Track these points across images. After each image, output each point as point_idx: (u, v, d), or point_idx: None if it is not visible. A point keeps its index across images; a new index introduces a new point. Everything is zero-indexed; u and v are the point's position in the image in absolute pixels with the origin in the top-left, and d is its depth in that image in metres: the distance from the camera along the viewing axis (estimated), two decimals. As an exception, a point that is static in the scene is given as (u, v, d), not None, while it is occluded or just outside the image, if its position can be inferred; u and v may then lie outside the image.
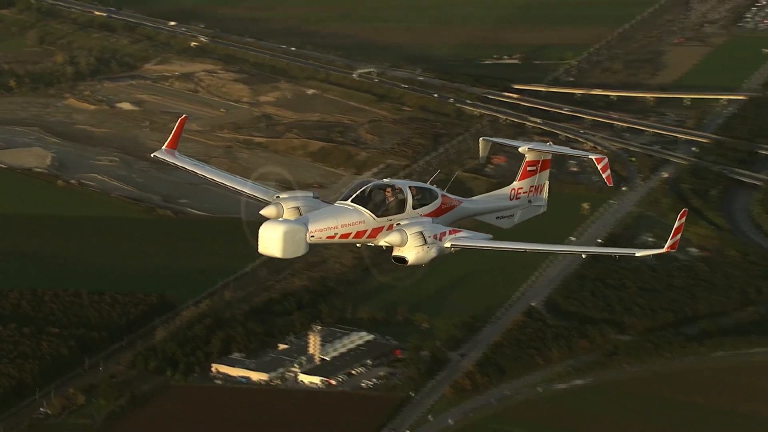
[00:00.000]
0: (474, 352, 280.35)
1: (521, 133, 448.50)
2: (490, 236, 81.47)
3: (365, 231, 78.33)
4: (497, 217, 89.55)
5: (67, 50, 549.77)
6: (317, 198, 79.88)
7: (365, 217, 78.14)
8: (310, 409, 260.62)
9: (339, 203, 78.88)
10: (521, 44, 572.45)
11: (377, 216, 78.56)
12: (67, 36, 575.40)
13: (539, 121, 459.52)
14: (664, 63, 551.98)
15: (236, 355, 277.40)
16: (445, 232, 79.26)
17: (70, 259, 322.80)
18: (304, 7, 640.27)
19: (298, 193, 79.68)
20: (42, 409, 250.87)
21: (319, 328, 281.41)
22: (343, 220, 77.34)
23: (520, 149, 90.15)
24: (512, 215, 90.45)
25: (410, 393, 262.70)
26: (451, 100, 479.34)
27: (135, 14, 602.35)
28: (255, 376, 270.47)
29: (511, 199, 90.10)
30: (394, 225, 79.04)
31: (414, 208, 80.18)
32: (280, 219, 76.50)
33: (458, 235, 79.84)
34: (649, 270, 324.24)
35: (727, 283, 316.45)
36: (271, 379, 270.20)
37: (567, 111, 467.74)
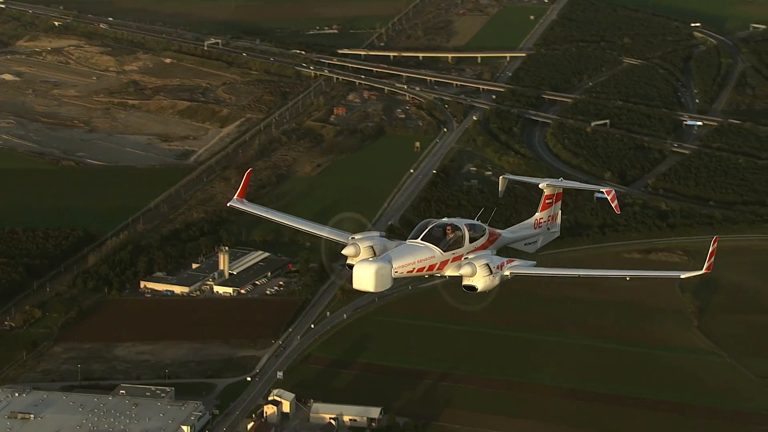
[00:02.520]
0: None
1: (352, 89, 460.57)
2: (534, 262, 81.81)
3: (435, 264, 78.16)
4: (525, 244, 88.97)
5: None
6: (383, 236, 79.19)
7: (435, 253, 77.91)
8: (228, 313, 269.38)
9: (410, 242, 78.20)
10: (334, 17, 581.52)
11: (444, 251, 78.40)
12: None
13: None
14: (454, 30, 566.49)
15: (159, 274, 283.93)
16: (503, 263, 79.68)
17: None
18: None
19: (371, 233, 79.32)
20: (6, 323, 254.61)
21: (226, 248, 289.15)
22: (418, 257, 77.22)
23: (540, 185, 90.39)
24: (536, 241, 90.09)
25: (308, 296, 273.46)
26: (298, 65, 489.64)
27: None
28: (178, 289, 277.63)
29: (534, 228, 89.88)
30: (462, 258, 79.15)
31: (470, 242, 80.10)
32: (371, 259, 75.53)
33: (513, 264, 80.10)
34: (479, 192, 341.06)
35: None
36: (191, 291, 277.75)
37: (387, 70, 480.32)
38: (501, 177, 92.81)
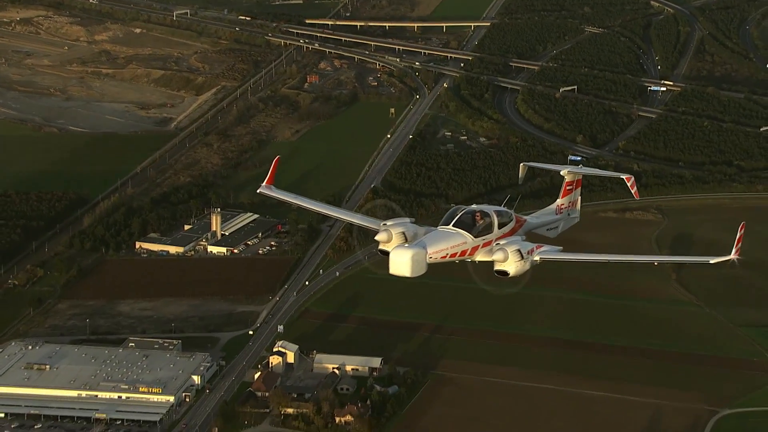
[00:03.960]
0: (339, 222, 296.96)
1: (323, 57, 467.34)
2: (561, 248, 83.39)
3: (467, 250, 79.61)
4: (547, 229, 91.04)
5: None
6: (414, 222, 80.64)
7: (466, 239, 79.24)
8: (223, 271, 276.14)
9: (442, 228, 79.70)
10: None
11: (475, 237, 79.84)
12: None
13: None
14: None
15: (153, 235, 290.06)
16: (533, 249, 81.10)
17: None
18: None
19: (402, 219, 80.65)
20: (10, 281, 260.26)
21: (218, 210, 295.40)
22: (451, 242, 78.58)
23: (561, 172, 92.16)
24: (557, 227, 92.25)
25: (300, 255, 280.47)
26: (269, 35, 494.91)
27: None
28: (172, 249, 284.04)
29: (556, 214, 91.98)
30: (491, 243, 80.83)
31: (499, 228, 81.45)
32: (406, 245, 76.94)
33: (542, 249, 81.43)
34: (456, 155, 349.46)
35: (516, 162, 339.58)
36: (186, 251, 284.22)
37: (356, 39, 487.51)
38: (521, 164, 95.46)
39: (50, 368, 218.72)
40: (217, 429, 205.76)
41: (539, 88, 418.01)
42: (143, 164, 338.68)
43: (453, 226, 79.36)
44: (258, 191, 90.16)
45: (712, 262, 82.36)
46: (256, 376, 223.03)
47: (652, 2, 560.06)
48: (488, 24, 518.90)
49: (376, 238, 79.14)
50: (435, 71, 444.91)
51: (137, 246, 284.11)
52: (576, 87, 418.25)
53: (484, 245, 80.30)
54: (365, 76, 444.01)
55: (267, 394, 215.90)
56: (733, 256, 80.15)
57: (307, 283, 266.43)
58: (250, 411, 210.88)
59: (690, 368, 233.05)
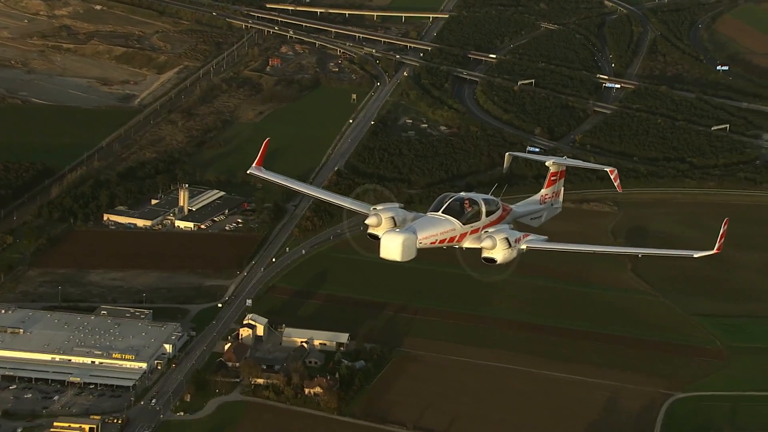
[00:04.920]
0: (304, 202, 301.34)
1: (284, 42, 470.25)
2: (546, 237, 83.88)
3: (455, 236, 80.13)
4: (531, 218, 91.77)
5: None
6: (403, 208, 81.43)
7: (455, 225, 79.85)
8: (191, 246, 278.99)
9: (431, 214, 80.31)
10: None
11: (463, 224, 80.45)
12: None
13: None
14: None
15: (121, 208, 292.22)
16: (520, 237, 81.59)
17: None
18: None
19: (392, 205, 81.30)
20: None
21: (186, 185, 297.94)
22: (441, 229, 79.13)
23: (546, 163, 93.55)
24: (540, 216, 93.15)
25: (266, 233, 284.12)
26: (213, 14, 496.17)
27: None
28: (140, 222, 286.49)
29: (540, 204, 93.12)
30: (479, 231, 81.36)
31: (486, 216, 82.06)
32: (397, 230, 77.25)
33: (529, 238, 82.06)
34: (418, 142, 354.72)
35: (476, 151, 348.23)
36: (153, 225, 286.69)
37: (316, 25, 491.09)
38: (507, 153, 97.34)
39: (24, 332, 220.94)
40: (189, 396, 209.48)
41: (498, 81, 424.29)
42: (108, 139, 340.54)
43: (442, 212, 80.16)
44: (248, 172, 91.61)
45: (695, 256, 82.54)
46: (227, 347, 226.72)
47: (605, 2, 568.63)
48: (447, 16, 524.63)
49: (366, 222, 79.88)
50: (395, 60, 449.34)
51: (105, 218, 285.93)
52: (534, 81, 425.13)
53: (472, 232, 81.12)
54: (326, 61, 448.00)
55: (237, 364, 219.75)
56: (716, 250, 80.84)
57: (274, 260, 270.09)
58: (221, 380, 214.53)
59: (646, 353, 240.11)
